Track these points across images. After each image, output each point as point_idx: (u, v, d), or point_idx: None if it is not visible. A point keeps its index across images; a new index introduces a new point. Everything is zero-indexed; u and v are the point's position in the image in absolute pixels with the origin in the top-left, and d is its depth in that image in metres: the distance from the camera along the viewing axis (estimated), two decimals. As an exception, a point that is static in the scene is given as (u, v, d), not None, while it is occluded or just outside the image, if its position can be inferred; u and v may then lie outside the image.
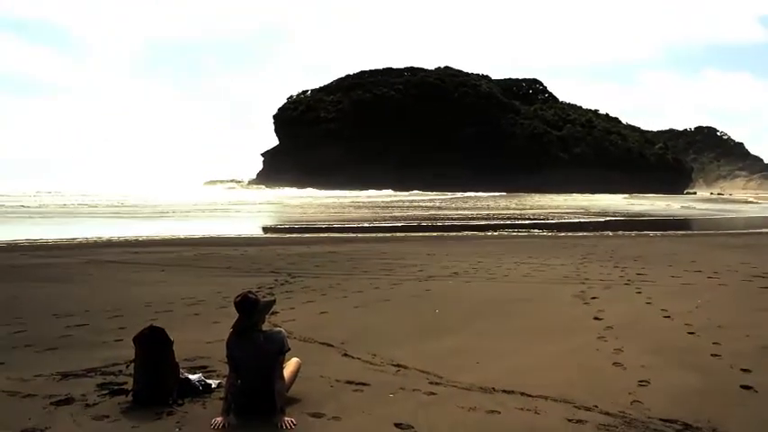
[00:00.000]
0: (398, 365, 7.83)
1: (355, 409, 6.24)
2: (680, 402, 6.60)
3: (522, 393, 6.77)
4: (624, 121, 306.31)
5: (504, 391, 6.84)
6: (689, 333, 9.80)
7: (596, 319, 10.82)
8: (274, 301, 6.62)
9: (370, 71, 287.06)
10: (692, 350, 8.79)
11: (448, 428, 5.79)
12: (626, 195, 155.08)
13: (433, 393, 6.77)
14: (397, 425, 5.85)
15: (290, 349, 6.25)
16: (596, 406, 6.42)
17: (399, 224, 43.21)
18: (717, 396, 6.87)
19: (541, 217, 55.70)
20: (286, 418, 5.80)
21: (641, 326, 10.35)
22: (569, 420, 6.05)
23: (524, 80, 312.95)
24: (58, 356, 8.15)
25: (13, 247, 23.07)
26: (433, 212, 62.87)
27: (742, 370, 7.79)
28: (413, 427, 5.79)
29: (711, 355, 8.53)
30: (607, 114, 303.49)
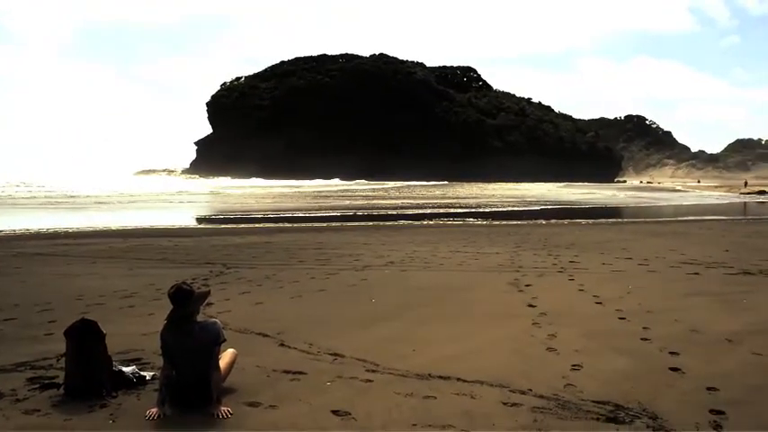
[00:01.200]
0: (335, 354, 7.88)
1: (292, 398, 6.27)
2: (611, 385, 6.80)
3: (458, 379, 6.90)
4: (557, 110, 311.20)
5: (441, 377, 6.95)
6: (620, 318, 10.09)
7: (530, 306, 11.04)
8: (209, 292, 6.60)
9: (305, 58, 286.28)
10: (623, 335, 9.05)
11: (384, 414, 5.87)
12: (560, 184, 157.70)
13: (370, 381, 6.86)
14: (334, 412, 5.91)
15: (225, 340, 6.24)
16: (531, 390, 6.58)
17: (335, 214, 43.24)
18: (647, 378, 7.09)
19: (476, 206, 56.36)
20: (222, 408, 5.81)
21: (574, 312, 10.59)
22: (504, 404, 6.18)
23: (459, 68, 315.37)
24: (-14, 351, 8.00)
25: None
26: (368, 202, 62.99)
27: (670, 353, 8.06)
28: (350, 414, 5.86)
29: (641, 339, 8.81)
30: (540, 103, 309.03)
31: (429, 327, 9.54)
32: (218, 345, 6.13)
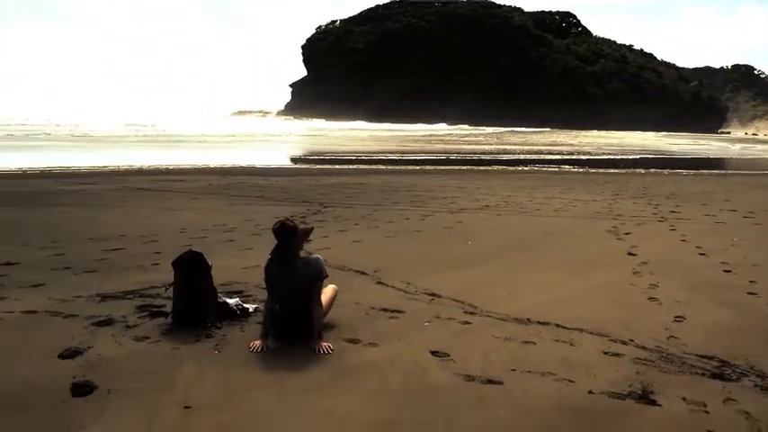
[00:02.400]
0: (432, 294, 7.84)
1: (391, 336, 6.28)
2: (716, 339, 6.56)
3: (558, 325, 6.76)
4: (659, 58, 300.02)
5: (539, 323, 6.84)
6: (725, 271, 9.72)
7: (630, 254, 10.75)
8: (312, 228, 6.61)
9: (401, 1, 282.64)
10: (728, 288, 8.72)
11: (483, 357, 5.80)
12: (660, 134, 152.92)
13: (468, 323, 6.79)
14: (433, 352, 5.87)
15: (327, 276, 6.26)
16: (632, 340, 6.39)
17: (429, 157, 42.99)
18: (754, 334, 6.82)
19: (573, 153, 55.20)
20: (323, 343, 5.84)
21: (676, 262, 10.26)
22: (605, 353, 6.03)
23: (557, 13, 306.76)
24: (97, 279, 8.25)
25: (46, 174, 23.27)
26: (463, 147, 62.46)
27: (780, 308, 7.74)
28: (449, 356, 5.81)
29: (748, 293, 8.46)
30: (642, 50, 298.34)
31: (526, 271, 9.40)
32: (321, 280, 6.16)
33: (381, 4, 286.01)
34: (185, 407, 4.68)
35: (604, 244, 11.78)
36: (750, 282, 9.01)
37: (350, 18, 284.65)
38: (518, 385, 5.25)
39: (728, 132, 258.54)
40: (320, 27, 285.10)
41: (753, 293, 8.44)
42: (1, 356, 5.58)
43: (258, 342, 5.85)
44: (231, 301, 6.72)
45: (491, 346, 6.08)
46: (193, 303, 6.31)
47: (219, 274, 7.11)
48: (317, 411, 4.72)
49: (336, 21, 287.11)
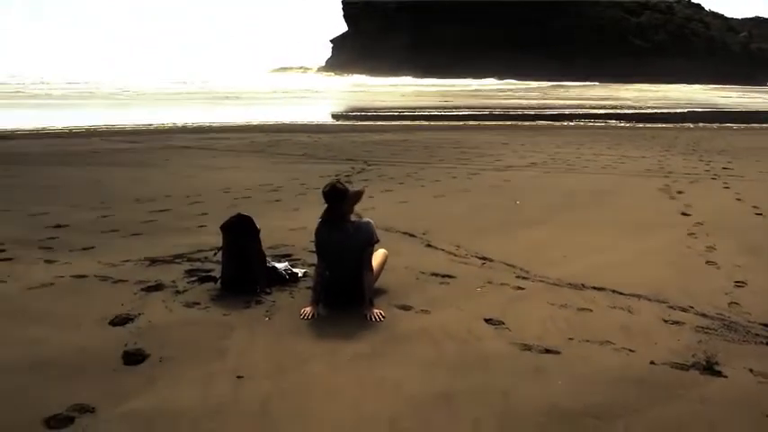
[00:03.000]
0: (483, 258, 7.66)
1: (443, 303, 6.12)
2: (781, 307, 6.31)
3: (614, 291, 6.54)
4: (707, 8, 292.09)
5: (595, 288, 6.62)
6: (786, 232, 9.41)
7: (684, 214, 10.45)
8: (363, 191, 6.43)
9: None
10: (789, 250, 8.41)
11: (538, 325, 5.63)
12: (707, 86, 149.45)
13: (521, 288, 6.60)
14: (487, 320, 5.70)
15: (378, 240, 6.10)
16: (692, 307, 6.16)
17: (473, 113, 42.46)
18: (822, 302, 6.54)
19: (618, 107, 54.11)
20: (375, 310, 5.72)
21: (732, 223, 9.94)
22: (665, 321, 5.81)
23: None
24: (144, 242, 8.23)
25: (92, 133, 23.45)
26: (505, 101, 61.65)
27: None
28: (503, 323, 5.64)
29: (811, 257, 8.15)
30: (689, 0, 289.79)
31: (577, 233, 9.15)
32: (372, 245, 6.01)
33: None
34: (238, 376, 4.60)
35: (657, 203, 11.47)
36: (812, 244, 8.69)
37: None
38: (576, 355, 5.08)
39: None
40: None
41: (816, 257, 8.13)
42: (54, 323, 5.55)
43: (309, 309, 5.74)
44: (280, 266, 6.62)
45: (546, 314, 5.89)
46: (243, 268, 6.22)
47: (266, 237, 7.00)
48: (370, 382, 4.60)
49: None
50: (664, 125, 34.15)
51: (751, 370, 4.92)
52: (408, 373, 4.73)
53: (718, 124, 35.41)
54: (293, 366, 4.79)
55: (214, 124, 28.39)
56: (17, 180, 12.99)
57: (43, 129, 25.08)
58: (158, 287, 6.42)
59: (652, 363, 4.98)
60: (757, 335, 5.58)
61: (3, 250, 7.77)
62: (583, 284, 6.72)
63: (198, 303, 6.00)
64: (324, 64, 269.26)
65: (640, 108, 53.83)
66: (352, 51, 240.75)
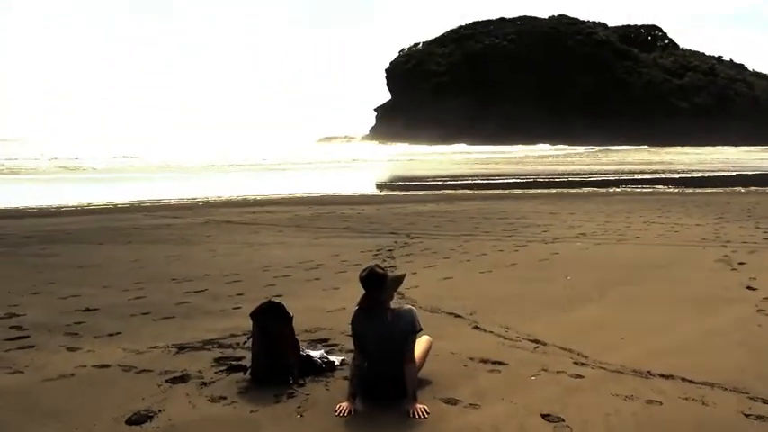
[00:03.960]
0: (536, 341, 7.04)
1: (494, 395, 5.51)
2: None
3: (683, 379, 5.88)
4: (751, 68, 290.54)
5: (662, 376, 5.96)
6: None
7: (750, 288, 9.72)
8: (404, 275, 5.94)
9: (483, 21, 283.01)
10: None
11: (603, 422, 5.01)
12: (755, 148, 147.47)
13: (580, 376, 5.97)
14: (544, 416, 5.10)
15: (422, 329, 5.57)
16: (775, 397, 5.51)
17: (517, 180, 41.96)
18: None
19: (663, 171, 53.19)
20: (419, 406, 5.15)
21: (803, 297, 9.21)
22: (746, 415, 5.16)
23: (643, 26, 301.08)
24: (176, 325, 7.79)
25: (136, 208, 23.37)
26: (551, 167, 61.11)
27: None
28: (563, 420, 5.02)
29: None
30: (731, 61, 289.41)
31: (634, 311, 8.48)
32: (415, 334, 5.49)
33: (463, 24, 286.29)
34: (263, 492, 4.09)
35: (718, 276, 10.73)
36: None
37: (432, 40, 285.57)
38: (649, 460, 4.48)
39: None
40: (403, 50, 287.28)
41: None
42: (67, 422, 5.09)
43: (345, 404, 5.20)
44: (315, 354, 6.11)
45: (611, 408, 5.26)
46: (273, 359, 5.72)
47: (303, 319, 6.55)
48: (415, 496, 4.06)
49: (419, 43, 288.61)
50: (713, 189, 33.22)
51: None
52: (458, 483, 4.17)
53: (770, 188, 34.42)
54: (327, 478, 4.26)
55: (258, 197, 28.29)
56: (54, 260, 12.74)
57: (88, 204, 25.17)
58: (184, 378, 5.94)
59: (736, 468, 4.36)
60: None
61: (26, 336, 7.40)
62: (649, 372, 6.06)
63: (224, 398, 5.49)
64: (368, 132, 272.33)
65: (687, 172, 52.80)
66: (396, 120, 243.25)
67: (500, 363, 6.34)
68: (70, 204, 25.06)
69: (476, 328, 7.66)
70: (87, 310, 8.59)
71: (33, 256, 13.09)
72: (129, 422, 5.04)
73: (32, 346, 7.00)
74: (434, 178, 44.53)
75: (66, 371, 6.19)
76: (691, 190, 33.11)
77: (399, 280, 5.69)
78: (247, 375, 5.88)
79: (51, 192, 32.03)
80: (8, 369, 6.28)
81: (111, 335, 7.39)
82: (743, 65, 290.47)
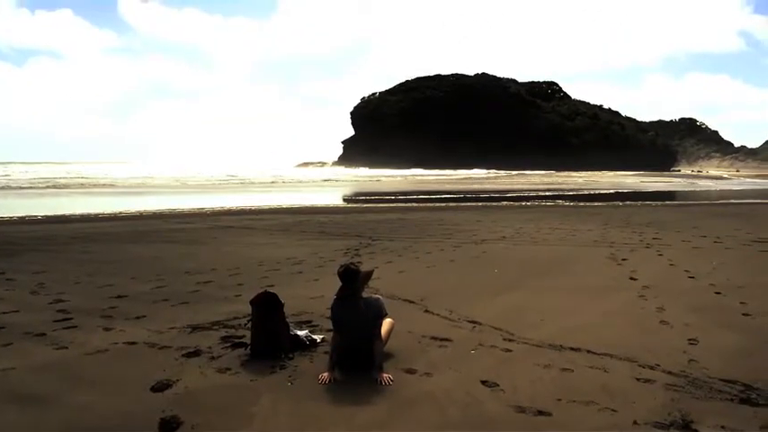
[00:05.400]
0: (473, 322, 6.86)
1: (443, 366, 5.34)
2: (732, 362, 5.54)
3: (588, 351, 5.77)
4: (624, 114, 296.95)
5: (572, 349, 5.84)
6: (716, 293, 8.61)
7: (632, 278, 9.66)
8: (373, 271, 5.74)
9: (424, 77, 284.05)
10: (725, 309, 7.61)
11: (529, 386, 4.86)
12: (627, 173, 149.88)
13: (509, 350, 5.81)
14: (483, 382, 4.94)
15: (387, 314, 5.38)
16: (658, 365, 5.40)
17: (450, 196, 41.92)
18: (762, 356, 5.78)
19: (563, 190, 53.62)
20: (384, 375, 4.95)
21: (672, 286, 9.14)
22: (638, 380, 5.05)
23: (544, 82, 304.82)
24: (189, 310, 7.46)
25: (158, 216, 22.76)
26: (476, 186, 61.29)
27: (776, 329, 6.66)
28: (498, 385, 4.87)
29: (743, 314, 7.37)
30: (609, 108, 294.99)
31: (548, 297, 8.35)
32: (382, 318, 5.28)
33: (410, 79, 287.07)
34: (262, 445, 3.84)
35: (608, 269, 10.65)
36: (741, 303, 7.92)
37: (386, 90, 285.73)
38: (566, 416, 4.32)
39: (679, 170, 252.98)
40: (364, 97, 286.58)
41: (747, 314, 7.36)
42: (102, 389, 4.80)
43: (326, 374, 4.98)
44: (301, 333, 5.86)
45: (534, 375, 5.12)
46: (269, 338, 5.47)
47: (290, 304, 6.27)
48: (384, 449, 3.84)
49: (376, 93, 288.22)
50: (599, 203, 33.51)
51: (723, 427, 4.18)
52: (418, 439, 3.96)
53: (640, 202, 34.83)
54: (313, 434, 4.02)
55: (252, 207, 27.75)
56: (92, 255, 12.26)
57: (120, 213, 24.45)
58: (197, 353, 5.66)
59: (635, 423, 4.23)
60: (720, 391, 4.84)
61: (71, 318, 7.03)
62: (561, 345, 5.95)
63: (229, 369, 5.23)
64: (337, 159, 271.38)
65: (579, 190, 53.33)
66: (358, 150, 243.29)
67: (447, 339, 6.16)
68: (105, 212, 24.35)
69: (426, 311, 7.46)
70: (119, 297, 8.21)
71: (77, 253, 12.57)
72: (153, 389, 4.77)
73: (75, 327, 6.65)
74: (388, 194, 44.30)
75: (102, 347, 5.88)
76: (583, 204, 33.34)
77: (369, 275, 5.48)
78: (248, 351, 5.62)
79: (90, 203, 31.06)
80: (55, 345, 5.96)
81: (137, 317, 7.05)
82: (618, 111, 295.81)
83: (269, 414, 4.31)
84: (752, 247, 13.76)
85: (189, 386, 4.83)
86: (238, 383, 4.92)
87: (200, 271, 10.32)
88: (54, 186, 47.46)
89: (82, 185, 50.17)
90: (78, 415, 4.29)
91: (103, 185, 50.71)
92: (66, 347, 5.89)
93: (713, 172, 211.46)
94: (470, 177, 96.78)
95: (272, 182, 66.62)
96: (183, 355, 5.59)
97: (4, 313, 7.25)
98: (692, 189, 60.82)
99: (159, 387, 4.80)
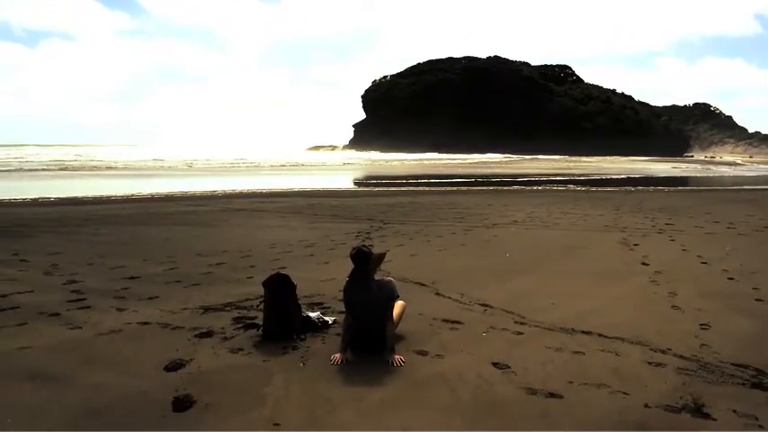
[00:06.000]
0: (485, 305, 6.86)
1: (455, 348, 5.35)
2: (744, 347, 5.53)
3: (600, 335, 5.76)
4: (637, 98, 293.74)
5: (583, 332, 5.84)
6: (728, 279, 8.56)
7: (644, 263, 9.62)
8: (385, 254, 5.74)
9: (436, 60, 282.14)
10: (737, 295, 7.56)
11: (540, 369, 4.86)
12: (639, 158, 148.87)
13: (520, 333, 5.82)
14: (494, 364, 4.95)
15: (399, 296, 5.38)
16: (670, 349, 5.39)
17: (463, 180, 41.79)
18: (775, 341, 5.75)
19: (575, 175, 53.30)
20: (396, 356, 4.97)
21: (684, 271, 9.10)
22: (649, 363, 5.04)
23: (557, 66, 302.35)
24: (202, 291, 7.48)
25: (169, 198, 22.84)
26: (486, 170, 61.04)
27: (789, 315, 6.62)
28: (509, 367, 4.87)
29: (755, 299, 7.34)
30: (623, 93, 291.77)
31: (560, 281, 8.33)
32: (393, 300, 5.29)
33: (421, 62, 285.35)
34: (274, 424, 3.87)
35: (620, 254, 10.61)
36: (753, 289, 7.88)
37: (397, 73, 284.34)
38: (578, 399, 4.32)
39: (692, 156, 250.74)
40: (375, 80, 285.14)
41: (760, 300, 7.33)
42: (116, 368, 4.85)
43: (338, 355, 5.00)
44: (313, 315, 5.88)
45: (546, 357, 5.12)
46: (281, 319, 5.49)
47: (302, 287, 6.28)
48: (395, 429, 3.85)
49: (387, 76, 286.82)
50: (611, 188, 33.27)
51: (735, 411, 4.17)
52: (430, 419, 3.98)
53: (653, 187, 34.57)
54: (325, 414, 4.04)
55: (264, 190, 27.78)
56: (105, 237, 12.34)
57: (132, 195, 24.55)
58: (209, 334, 5.69)
59: (646, 406, 4.22)
60: (732, 375, 4.83)
61: (84, 299, 7.08)
62: (572, 329, 5.94)
63: (242, 349, 5.26)
64: (348, 143, 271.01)
65: (591, 175, 52.96)
66: (369, 133, 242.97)
67: (458, 322, 6.16)
68: (117, 194, 24.47)
69: (437, 294, 7.46)
70: (131, 278, 8.26)
71: (90, 235, 12.65)
72: (167, 369, 4.81)
73: (89, 307, 6.70)
74: (400, 178, 44.19)
75: (115, 327, 5.93)
76: (594, 188, 33.14)
77: (382, 257, 5.48)
78: (260, 332, 5.64)
79: (102, 185, 31.21)
80: (69, 325, 6.00)
81: (150, 298, 7.10)
82: (631, 96, 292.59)
83: (281, 394, 4.34)
84: (765, 233, 13.67)
85: (202, 366, 4.87)
86: (251, 364, 4.95)
87: (211, 253, 10.34)
88: (66, 169, 47.71)
89: (95, 168, 50.43)
90: (93, 394, 4.34)
91: (115, 168, 50.91)
92: (81, 327, 5.94)
93: (727, 158, 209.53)
94: (482, 162, 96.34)
95: (283, 165, 66.65)
96: (195, 336, 5.62)
97: (18, 293, 7.32)
98: (706, 175, 60.26)
99: (173, 366, 4.83)
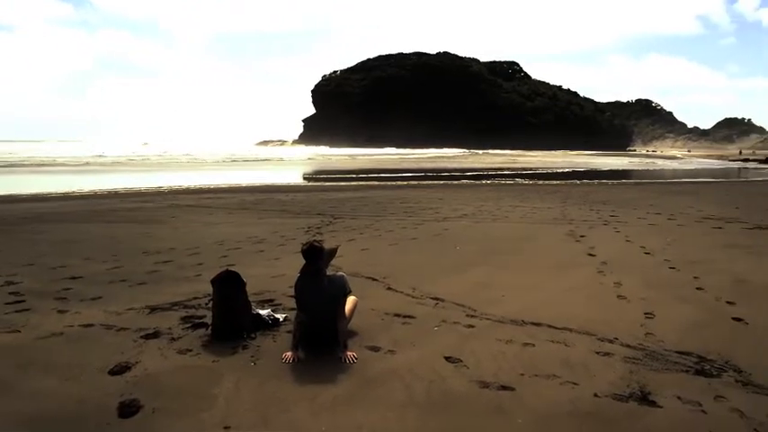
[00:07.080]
0: (436, 299, 6.87)
1: (406, 343, 5.33)
2: (687, 335, 5.68)
3: (549, 326, 5.83)
4: (582, 95, 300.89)
5: (533, 324, 5.90)
6: (670, 268, 8.81)
7: (590, 255, 9.82)
8: (337, 248, 5.68)
9: (386, 55, 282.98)
10: (679, 284, 7.79)
11: (492, 362, 4.90)
12: (583, 152, 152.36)
13: (472, 326, 5.84)
14: (446, 358, 4.96)
15: (350, 291, 5.34)
16: (616, 338, 5.50)
17: (412, 174, 41.96)
18: (716, 328, 5.93)
19: (522, 169, 54.16)
20: (348, 353, 4.92)
21: (629, 262, 9.32)
22: (597, 353, 5.13)
23: (505, 62, 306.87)
24: (148, 291, 7.27)
25: (112, 195, 22.23)
26: (436, 165, 61.47)
27: (727, 302, 6.84)
28: (461, 361, 4.89)
29: (696, 288, 7.55)
30: (568, 89, 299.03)
31: (509, 273, 8.42)
32: (345, 296, 5.24)
33: (371, 57, 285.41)
34: (225, 427, 3.77)
35: (567, 246, 10.80)
36: (694, 278, 8.12)
37: (348, 68, 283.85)
38: (529, 391, 4.36)
39: (634, 150, 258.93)
40: (325, 75, 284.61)
41: (700, 288, 7.55)
42: (58, 374, 4.65)
43: (290, 353, 4.92)
44: (263, 312, 5.78)
45: (497, 350, 5.16)
46: (230, 318, 5.37)
47: (252, 284, 6.16)
48: (349, 427, 3.81)
49: (337, 71, 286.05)
50: (558, 182, 33.97)
51: (679, 398, 4.28)
52: (383, 416, 3.96)
53: (597, 181, 35.43)
54: (277, 414, 3.97)
55: (211, 186, 27.32)
56: (44, 236, 11.87)
57: (72, 192, 23.78)
58: (156, 334, 5.52)
59: (596, 395, 4.30)
60: (676, 362, 4.96)
61: (23, 301, 6.79)
62: (522, 321, 6.00)
63: (190, 350, 5.12)
64: (297, 138, 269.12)
65: (538, 169, 53.92)
66: (319, 128, 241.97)
67: (410, 316, 6.16)
68: (57, 191, 23.65)
69: (389, 289, 7.44)
70: (73, 278, 7.96)
71: (28, 234, 12.17)
72: (112, 372, 4.64)
73: (28, 309, 6.42)
74: (349, 172, 44.08)
75: (56, 330, 5.69)
76: (542, 182, 33.78)
77: (334, 252, 5.43)
78: (209, 331, 5.51)
79: (39, 182, 30.08)
80: (7, 329, 5.73)
81: (93, 299, 6.85)
82: (576, 92, 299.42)
83: (232, 395, 4.24)
84: (704, 224, 14.12)
85: (148, 368, 4.72)
86: (200, 365, 4.82)
87: (158, 251, 10.07)
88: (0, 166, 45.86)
89: (33, 164, 48.62)
90: (32, 401, 4.15)
91: (54, 164, 49.18)
92: (19, 331, 5.68)
93: (667, 151, 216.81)
94: (434, 156, 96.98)
95: (232, 160, 65.71)
96: (141, 337, 5.45)
97: (-49, 296, 6.98)
98: (647, 168, 62.06)
99: (118, 370, 4.67)
